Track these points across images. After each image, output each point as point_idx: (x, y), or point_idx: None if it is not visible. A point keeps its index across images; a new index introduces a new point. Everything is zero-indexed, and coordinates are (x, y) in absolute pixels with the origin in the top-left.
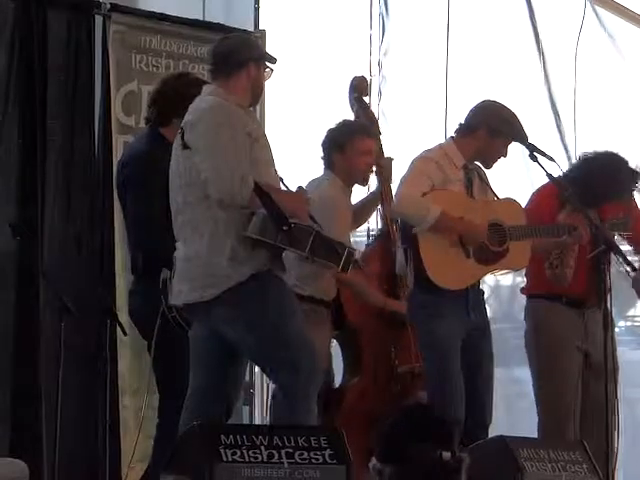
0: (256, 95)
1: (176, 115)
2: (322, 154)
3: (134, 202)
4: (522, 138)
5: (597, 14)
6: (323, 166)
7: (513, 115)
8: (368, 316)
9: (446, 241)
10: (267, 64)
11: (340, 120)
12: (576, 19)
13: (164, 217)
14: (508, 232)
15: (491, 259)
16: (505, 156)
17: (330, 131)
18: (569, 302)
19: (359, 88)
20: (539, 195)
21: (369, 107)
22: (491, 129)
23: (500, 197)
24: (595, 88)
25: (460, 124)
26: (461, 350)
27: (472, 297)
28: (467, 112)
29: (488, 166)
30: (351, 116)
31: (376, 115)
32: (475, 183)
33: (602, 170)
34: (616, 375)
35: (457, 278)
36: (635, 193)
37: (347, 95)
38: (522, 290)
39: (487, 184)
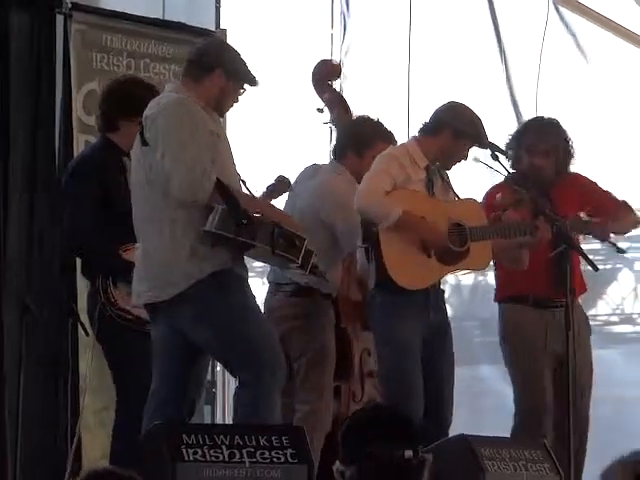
0: (221, 105)
1: (123, 118)
2: (336, 143)
3: (67, 208)
4: (485, 142)
5: (560, 14)
6: (332, 155)
7: (478, 118)
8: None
9: (408, 241)
10: (243, 84)
11: (363, 116)
12: (539, 19)
13: (98, 223)
14: (469, 233)
15: (452, 259)
16: (466, 159)
17: (353, 125)
18: (535, 303)
19: (328, 72)
20: (491, 196)
21: (340, 93)
22: (456, 130)
23: (461, 198)
24: (558, 88)
25: (424, 124)
26: (422, 350)
27: (433, 297)
28: (431, 112)
29: (448, 167)
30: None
31: None
32: (436, 183)
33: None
34: (590, 379)
35: (418, 278)
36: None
37: (313, 81)
38: (494, 298)
39: (448, 185)
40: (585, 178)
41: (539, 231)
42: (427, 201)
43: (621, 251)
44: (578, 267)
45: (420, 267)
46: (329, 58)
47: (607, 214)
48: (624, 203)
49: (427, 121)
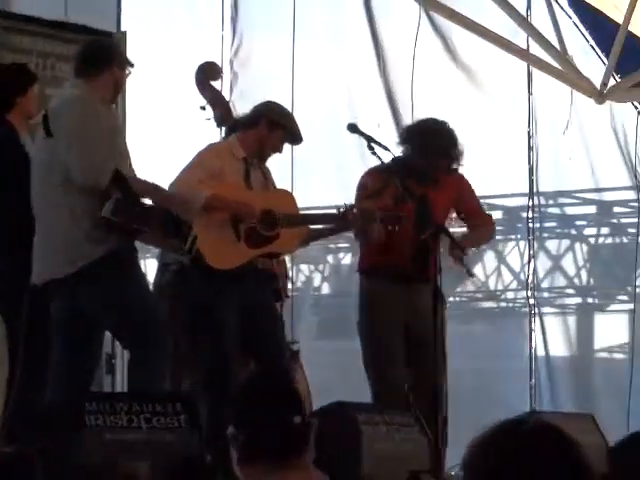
0: (116, 93)
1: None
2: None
3: None
4: (298, 136)
5: (431, 19)
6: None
7: (291, 114)
8: None
9: (219, 222)
10: (128, 68)
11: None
12: (412, 24)
13: None
14: (279, 218)
15: (261, 242)
16: (280, 152)
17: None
18: (393, 276)
19: (209, 73)
20: (363, 177)
21: (220, 92)
22: (271, 121)
23: (276, 188)
24: (431, 86)
25: (243, 119)
26: (242, 326)
27: (250, 277)
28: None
29: (264, 159)
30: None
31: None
32: (254, 176)
33: (422, 128)
34: (445, 348)
35: (226, 259)
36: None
37: (196, 81)
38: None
39: (267, 178)
40: (467, 183)
41: (349, 220)
42: (242, 191)
43: (471, 274)
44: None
45: (229, 249)
46: (210, 60)
47: (473, 223)
48: (490, 218)
49: (245, 116)
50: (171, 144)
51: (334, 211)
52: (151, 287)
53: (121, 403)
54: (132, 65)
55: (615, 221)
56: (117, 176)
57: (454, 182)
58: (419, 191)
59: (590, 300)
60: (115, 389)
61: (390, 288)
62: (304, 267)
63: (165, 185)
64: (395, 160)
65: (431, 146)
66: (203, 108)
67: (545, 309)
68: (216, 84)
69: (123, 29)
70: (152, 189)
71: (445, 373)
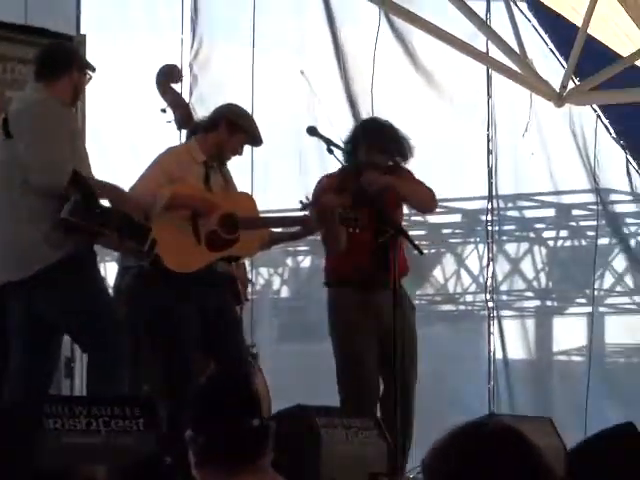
0: (76, 97)
1: None
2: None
3: None
4: (258, 139)
5: (391, 23)
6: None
7: (251, 116)
8: None
9: (178, 226)
10: (88, 71)
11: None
12: (373, 28)
13: None
14: (239, 222)
15: (221, 245)
16: (240, 154)
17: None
18: (359, 285)
19: (170, 75)
20: (320, 182)
21: (180, 94)
22: (231, 123)
23: (237, 191)
24: (391, 90)
25: (203, 122)
26: (202, 329)
27: (210, 280)
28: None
29: (224, 162)
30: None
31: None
32: (214, 179)
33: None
34: (415, 357)
35: (185, 262)
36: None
37: (156, 84)
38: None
39: (228, 181)
40: (411, 174)
41: (308, 223)
42: (202, 194)
43: (420, 252)
44: (402, 251)
45: (188, 252)
46: (171, 63)
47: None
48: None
49: (205, 119)
50: (132, 147)
51: (294, 214)
52: (111, 290)
53: (80, 406)
54: (93, 69)
55: (574, 224)
56: (76, 178)
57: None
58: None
59: (549, 303)
60: (74, 393)
61: (358, 297)
62: (263, 270)
63: (126, 189)
64: (348, 164)
65: (372, 144)
66: (164, 111)
67: (504, 312)
68: (177, 87)
69: (83, 32)
70: (112, 191)
71: (415, 377)
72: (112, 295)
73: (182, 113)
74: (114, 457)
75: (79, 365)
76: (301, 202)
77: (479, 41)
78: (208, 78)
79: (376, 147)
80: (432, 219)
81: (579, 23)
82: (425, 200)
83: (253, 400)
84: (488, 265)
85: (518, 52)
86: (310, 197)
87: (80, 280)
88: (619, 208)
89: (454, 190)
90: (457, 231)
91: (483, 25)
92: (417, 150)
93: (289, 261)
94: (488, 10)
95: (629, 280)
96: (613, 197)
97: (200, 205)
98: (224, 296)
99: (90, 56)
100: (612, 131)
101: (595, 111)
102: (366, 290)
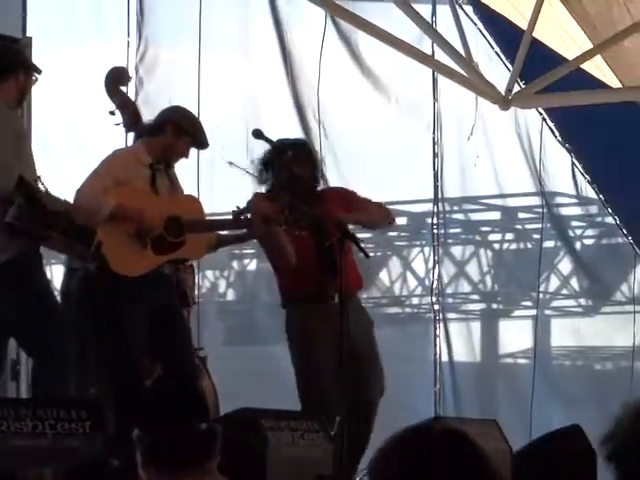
0: (22, 99)
1: None
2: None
3: None
4: (204, 142)
5: (337, 26)
6: None
7: (197, 119)
8: None
9: (123, 231)
10: (34, 73)
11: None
12: (319, 31)
13: None
14: (185, 225)
15: (168, 249)
16: (187, 157)
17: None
18: (311, 299)
19: (118, 78)
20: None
21: (129, 97)
22: (177, 126)
23: (184, 194)
24: (337, 93)
25: (149, 125)
26: (149, 331)
27: (156, 283)
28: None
29: (170, 164)
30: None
31: None
32: (161, 181)
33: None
34: (378, 373)
35: (131, 265)
36: None
37: (105, 86)
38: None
39: (174, 183)
40: (344, 189)
41: (253, 226)
42: (148, 197)
43: (366, 255)
44: (353, 263)
45: (134, 256)
46: (120, 65)
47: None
48: (379, 203)
49: (151, 122)
50: (79, 149)
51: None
52: (57, 293)
53: (25, 409)
54: (39, 71)
55: (519, 227)
56: (21, 182)
57: (330, 192)
58: (307, 209)
59: (494, 306)
60: (20, 395)
61: (313, 313)
62: (209, 273)
63: (72, 190)
64: (278, 187)
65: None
66: (112, 113)
67: (450, 315)
68: (125, 89)
69: (29, 34)
70: (66, 204)
71: (380, 394)
72: (59, 297)
73: (130, 115)
74: (61, 459)
75: (25, 368)
76: (234, 212)
77: (425, 44)
78: (154, 80)
79: (296, 161)
80: None
81: (524, 26)
82: (380, 220)
83: (200, 403)
84: (434, 268)
85: (464, 55)
86: (241, 207)
87: (25, 282)
88: (564, 211)
89: (400, 193)
90: (403, 234)
91: (429, 28)
92: (364, 153)
93: (235, 264)
94: (434, 13)
95: (574, 283)
96: (558, 200)
97: (139, 224)
98: (171, 298)
99: (36, 59)
100: (557, 134)
101: (541, 114)
102: (322, 304)
